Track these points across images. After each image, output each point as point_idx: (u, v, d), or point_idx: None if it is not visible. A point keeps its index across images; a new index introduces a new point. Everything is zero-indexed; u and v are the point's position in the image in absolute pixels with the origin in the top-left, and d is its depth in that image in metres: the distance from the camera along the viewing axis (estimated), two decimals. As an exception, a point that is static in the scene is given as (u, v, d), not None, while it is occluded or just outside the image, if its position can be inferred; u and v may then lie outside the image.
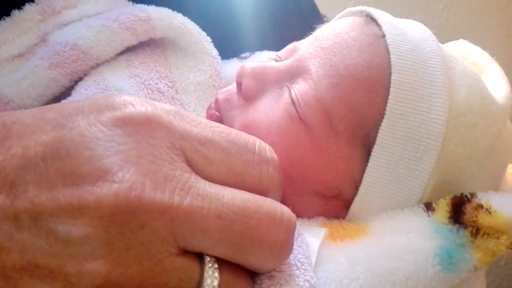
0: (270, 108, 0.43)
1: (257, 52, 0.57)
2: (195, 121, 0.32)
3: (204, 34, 0.52)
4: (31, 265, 0.27)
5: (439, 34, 0.46)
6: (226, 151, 0.32)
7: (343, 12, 0.51)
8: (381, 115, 0.40)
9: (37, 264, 0.27)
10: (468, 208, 0.38)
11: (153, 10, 0.49)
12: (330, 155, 0.41)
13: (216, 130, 0.32)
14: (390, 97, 0.40)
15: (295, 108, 0.42)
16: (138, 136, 0.29)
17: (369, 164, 0.40)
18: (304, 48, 0.46)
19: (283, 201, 0.38)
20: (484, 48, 0.51)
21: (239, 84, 0.45)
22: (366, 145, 0.41)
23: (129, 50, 0.49)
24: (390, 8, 0.50)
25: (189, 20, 0.51)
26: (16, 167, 0.28)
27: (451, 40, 0.53)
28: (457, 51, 0.50)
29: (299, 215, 0.41)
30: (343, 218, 0.42)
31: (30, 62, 0.45)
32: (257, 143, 0.34)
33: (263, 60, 0.53)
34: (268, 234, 0.30)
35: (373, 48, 0.43)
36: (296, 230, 0.37)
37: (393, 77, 0.41)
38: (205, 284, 0.29)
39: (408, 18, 0.48)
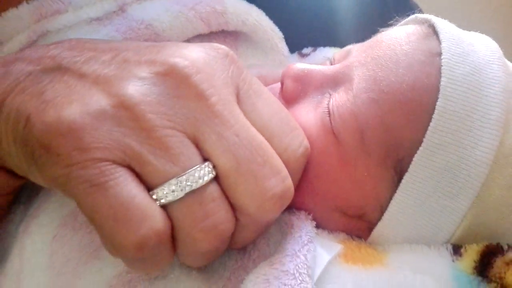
0: (307, 114, 0.42)
1: (319, 48, 0.55)
2: (261, 84, 0.38)
3: (277, 30, 0.52)
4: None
5: None
6: (272, 111, 0.37)
7: (409, 18, 0.47)
8: (419, 142, 0.38)
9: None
10: (498, 262, 0.35)
11: (229, 3, 0.49)
12: (357, 174, 0.39)
13: (273, 98, 0.38)
14: (431, 124, 0.37)
15: (329, 119, 0.40)
16: (212, 55, 0.36)
17: (397, 191, 0.38)
18: (356, 54, 0.43)
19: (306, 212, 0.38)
20: None
21: (282, 84, 0.44)
22: (398, 170, 0.39)
23: (201, 35, 0.50)
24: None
25: (264, 14, 0.51)
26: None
27: None
28: None
29: (321, 226, 0.40)
30: (365, 239, 0.40)
31: (106, 30, 0.47)
32: (301, 130, 0.38)
33: (319, 59, 0.51)
34: (265, 179, 0.34)
35: (423, 67, 0.39)
36: (308, 237, 0.37)
37: (438, 102, 0.37)
38: (197, 169, 0.33)
39: None
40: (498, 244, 0.37)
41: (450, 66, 0.39)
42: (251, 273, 0.36)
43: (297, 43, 0.55)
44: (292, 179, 0.36)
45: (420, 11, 0.64)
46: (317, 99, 0.42)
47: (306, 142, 0.38)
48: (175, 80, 0.34)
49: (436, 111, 0.37)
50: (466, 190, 0.37)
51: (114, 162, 0.31)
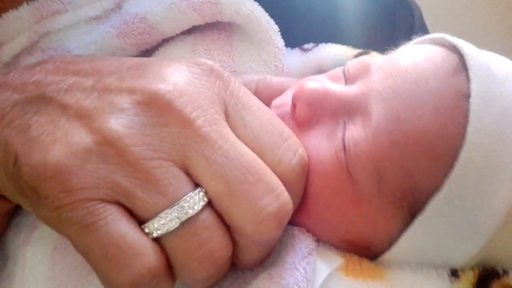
0: (320, 144, 0.40)
1: (321, 43, 0.54)
2: (251, 94, 0.37)
3: (272, 23, 0.50)
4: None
5: None
6: (263, 123, 0.36)
7: (435, 37, 0.44)
8: (437, 187, 0.37)
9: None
10: (494, 285, 0.36)
11: None
12: (370, 211, 0.39)
13: (264, 109, 0.37)
14: (453, 173, 0.36)
15: (345, 156, 0.39)
16: (196, 73, 0.35)
17: (410, 230, 0.38)
18: (376, 80, 0.41)
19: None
20: None
21: (293, 106, 0.42)
22: (411, 210, 0.38)
23: (196, 29, 0.50)
24: None
25: (258, 6, 0.50)
26: None
27: None
28: None
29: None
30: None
31: (103, 27, 0.47)
32: (295, 139, 0.37)
33: (320, 55, 0.51)
34: (259, 198, 0.33)
35: (451, 113, 0.38)
36: (308, 249, 0.37)
37: (462, 153, 0.36)
38: (188, 198, 0.32)
39: None
40: (493, 268, 0.37)
41: (478, 113, 0.37)
42: (250, 287, 0.36)
43: (298, 39, 0.54)
44: (293, 191, 0.35)
45: (419, 9, 0.64)
46: (331, 126, 0.40)
47: (301, 151, 0.37)
48: (158, 108, 0.33)
49: (459, 161, 0.36)
50: (479, 235, 0.37)
51: (103, 200, 0.31)
